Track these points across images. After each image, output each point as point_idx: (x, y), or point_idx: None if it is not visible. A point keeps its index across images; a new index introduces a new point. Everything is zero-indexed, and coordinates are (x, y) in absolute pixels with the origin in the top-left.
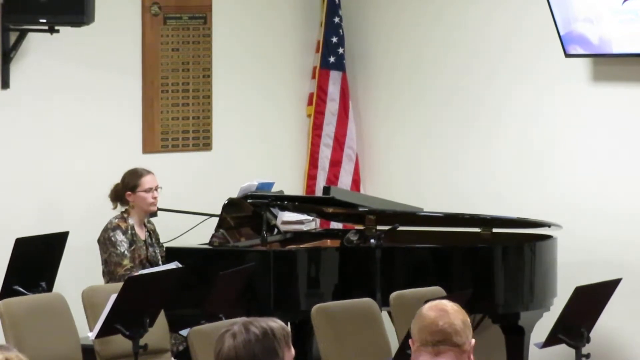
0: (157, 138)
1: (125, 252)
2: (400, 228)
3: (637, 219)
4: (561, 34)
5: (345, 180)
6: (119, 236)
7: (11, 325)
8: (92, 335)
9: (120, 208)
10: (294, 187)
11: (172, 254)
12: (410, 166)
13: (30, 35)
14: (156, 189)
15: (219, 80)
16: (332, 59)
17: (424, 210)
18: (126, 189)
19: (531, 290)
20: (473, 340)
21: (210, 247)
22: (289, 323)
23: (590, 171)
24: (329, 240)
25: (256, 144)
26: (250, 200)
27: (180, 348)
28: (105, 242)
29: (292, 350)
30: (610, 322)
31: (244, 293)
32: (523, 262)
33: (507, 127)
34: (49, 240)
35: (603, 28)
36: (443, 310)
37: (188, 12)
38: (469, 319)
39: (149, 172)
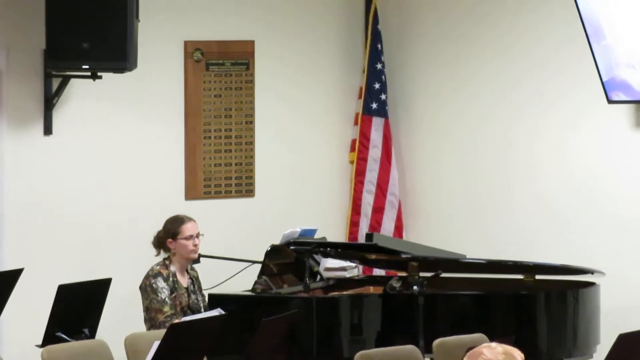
0: (199, 184)
1: (166, 299)
2: (443, 275)
3: None
4: (604, 80)
5: (387, 227)
6: (160, 283)
7: None
8: None
9: (162, 255)
10: (336, 233)
11: (214, 300)
12: (452, 213)
13: (72, 81)
14: (197, 236)
15: (261, 126)
16: (374, 105)
17: (467, 257)
18: (167, 236)
19: (574, 337)
20: None
21: (253, 293)
22: None
23: (633, 216)
24: (371, 287)
25: (299, 190)
26: (292, 247)
27: None
28: (147, 288)
29: None
30: None
31: (286, 340)
32: (566, 309)
33: (550, 174)
34: (91, 287)
35: None
36: (476, 357)
37: (230, 58)
38: None
39: (190, 219)
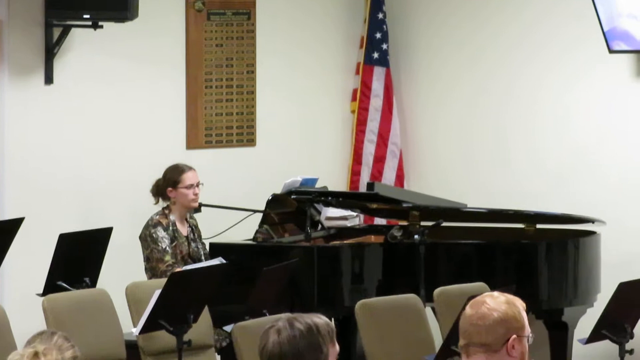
0: (201, 134)
1: (167, 248)
2: (444, 224)
3: None
4: (605, 30)
5: (389, 176)
6: (160, 232)
7: (55, 321)
8: (136, 331)
9: (161, 204)
10: (337, 183)
11: (215, 249)
12: (453, 162)
13: (73, 30)
14: (197, 185)
15: (262, 76)
16: (375, 55)
17: (468, 206)
18: (167, 185)
19: (575, 286)
20: (514, 336)
21: (254, 243)
22: (332, 319)
23: (634, 166)
24: (372, 236)
25: (300, 140)
26: (294, 196)
27: (224, 344)
28: (147, 238)
29: (337, 347)
30: None
31: (287, 289)
32: (567, 258)
33: (551, 123)
34: (92, 236)
35: None
36: (479, 305)
37: (232, 8)
38: (515, 312)
39: (190, 168)
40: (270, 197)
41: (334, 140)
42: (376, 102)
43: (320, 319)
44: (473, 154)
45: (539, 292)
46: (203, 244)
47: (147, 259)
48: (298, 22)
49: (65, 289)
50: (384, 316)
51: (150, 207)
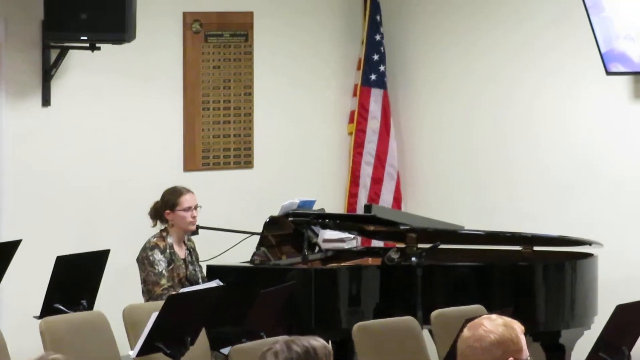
0: (198, 156)
1: (163, 271)
2: (442, 246)
3: None
4: (602, 51)
5: (386, 198)
6: (157, 255)
7: (52, 343)
8: (133, 353)
9: (159, 226)
10: (335, 205)
11: (213, 272)
12: (451, 184)
13: (71, 52)
14: (195, 208)
15: (260, 97)
16: (373, 77)
17: (465, 228)
18: (165, 208)
19: (572, 308)
20: (511, 359)
21: (252, 265)
22: (330, 341)
23: (631, 188)
24: (370, 259)
25: (297, 161)
26: (291, 218)
27: None
28: (144, 261)
29: None
30: None
31: (285, 311)
32: (564, 280)
33: (549, 145)
34: (90, 258)
35: None
36: (476, 327)
37: (229, 30)
38: (512, 335)
39: (188, 191)
40: (267, 220)
41: (332, 162)
42: (373, 124)
43: (317, 342)
44: (471, 176)
45: (536, 315)
46: (200, 266)
47: (144, 282)
48: (295, 43)
49: (63, 312)
50: (381, 339)
51: (148, 230)
